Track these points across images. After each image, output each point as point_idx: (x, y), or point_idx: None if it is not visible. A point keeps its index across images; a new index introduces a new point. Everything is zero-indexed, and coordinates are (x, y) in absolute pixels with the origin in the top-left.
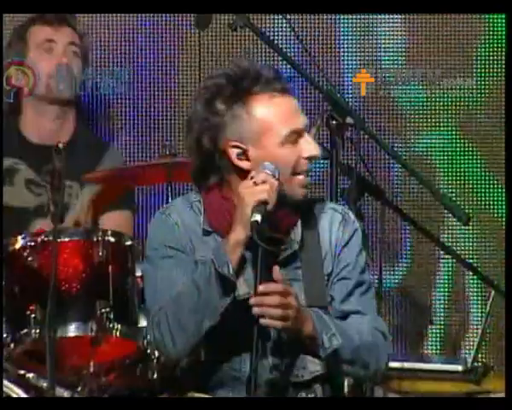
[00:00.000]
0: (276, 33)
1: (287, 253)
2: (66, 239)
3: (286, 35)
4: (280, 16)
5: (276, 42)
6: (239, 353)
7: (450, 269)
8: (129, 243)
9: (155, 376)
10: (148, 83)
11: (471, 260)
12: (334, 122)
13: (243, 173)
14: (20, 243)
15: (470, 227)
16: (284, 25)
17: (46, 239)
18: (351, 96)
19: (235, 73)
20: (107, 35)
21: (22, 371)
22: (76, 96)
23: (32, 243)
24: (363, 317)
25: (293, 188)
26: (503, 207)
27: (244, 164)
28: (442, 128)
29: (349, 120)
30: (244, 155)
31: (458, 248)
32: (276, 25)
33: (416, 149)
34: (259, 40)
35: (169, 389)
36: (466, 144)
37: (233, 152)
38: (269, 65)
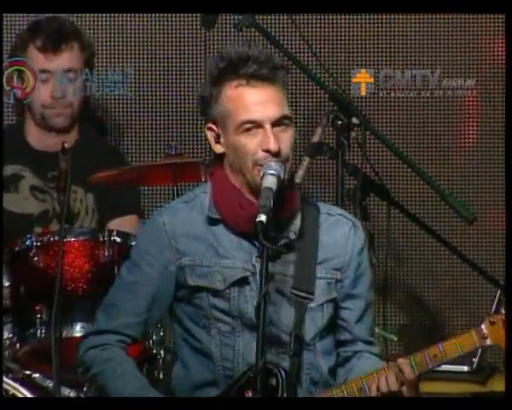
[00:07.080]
0: (281, 33)
1: (284, 241)
2: (72, 239)
3: (291, 35)
4: (285, 16)
5: (281, 42)
6: (232, 352)
7: (455, 268)
8: (134, 243)
9: (161, 376)
10: (153, 83)
11: (477, 260)
12: (339, 122)
13: (221, 158)
14: (26, 243)
15: (476, 226)
16: (290, 25)
17: (52, 239)
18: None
19: (226, 57)
20: (112, 35)
21: (28, 372)
22: (79, 115)
23: (38, 244)
24: (371, 347)
25: (254, 177)
26: (504, 206)
27: (217, 148)
28: (442, 128)
29: (355, 120)
30: (218, 138)
31: (464, 247)
32: (281, 25)
33: (417, 150)
34: (265, 40)
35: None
36: (466, 144)
37: (210, 135)
38: (261, 49)
